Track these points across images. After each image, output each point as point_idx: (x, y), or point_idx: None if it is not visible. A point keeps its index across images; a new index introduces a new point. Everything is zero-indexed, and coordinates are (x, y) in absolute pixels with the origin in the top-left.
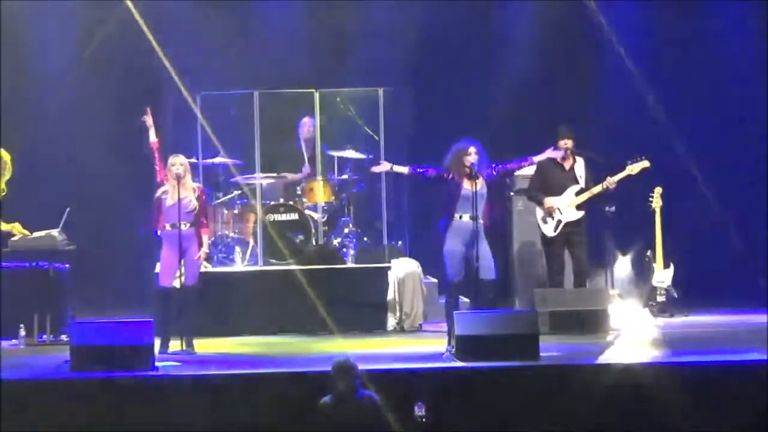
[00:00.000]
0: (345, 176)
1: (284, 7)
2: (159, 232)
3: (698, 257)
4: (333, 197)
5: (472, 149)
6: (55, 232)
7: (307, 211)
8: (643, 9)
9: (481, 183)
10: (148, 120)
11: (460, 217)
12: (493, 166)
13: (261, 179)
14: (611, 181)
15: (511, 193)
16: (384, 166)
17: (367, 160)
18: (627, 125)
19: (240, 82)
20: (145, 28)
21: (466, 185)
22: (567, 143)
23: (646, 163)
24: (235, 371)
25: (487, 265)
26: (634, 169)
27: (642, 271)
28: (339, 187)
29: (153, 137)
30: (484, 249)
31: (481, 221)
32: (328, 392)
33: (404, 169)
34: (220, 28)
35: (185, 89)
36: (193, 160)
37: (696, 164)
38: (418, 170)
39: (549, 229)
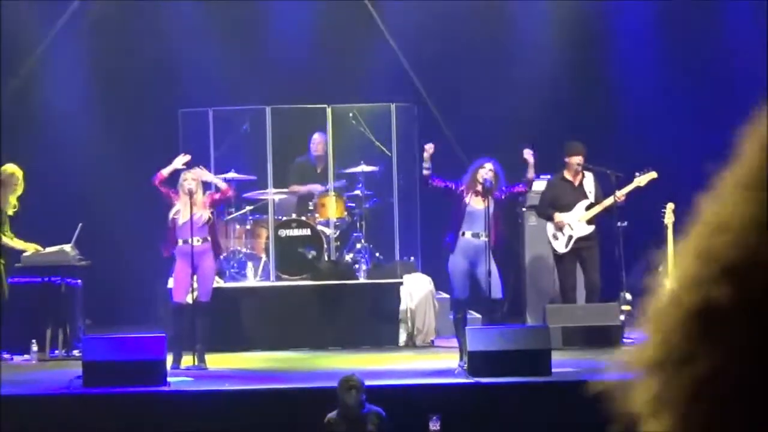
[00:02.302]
0: (357, 192)
1: (297, 22)
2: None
3: None
4: (345, 213)
5: (488, 165)
6: (67, 248)
7: (319, 227)
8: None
9: (490, 201)
10: (179, 162)
11: (463, 234)
12: (504, 189)
13: (273, 194)
14: (620, 194)
15: (523, 209)
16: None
17: (379, 172)
18: (640, 140)
19: (252, 97)
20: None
21: (474, 202)
22: (578, 159)
23: (653, 174)
24: (248, 387)
25: (492, 284)
26: (642, 180)
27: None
28: (351, 202)
29: (166, 172)
30: (491, 267)
31: (485, 239)
32: (335, 407)
33: (426, 171)
34: (233, 43)
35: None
36: None
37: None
38: (434, 178)
39: (560, 245)
